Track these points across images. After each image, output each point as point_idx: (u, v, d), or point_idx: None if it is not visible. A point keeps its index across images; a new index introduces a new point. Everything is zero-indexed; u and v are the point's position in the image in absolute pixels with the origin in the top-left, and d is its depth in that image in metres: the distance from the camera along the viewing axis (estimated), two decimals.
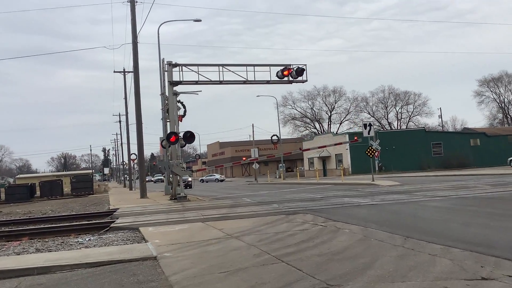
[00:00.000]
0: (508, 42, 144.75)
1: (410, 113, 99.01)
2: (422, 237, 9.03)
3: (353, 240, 9.18)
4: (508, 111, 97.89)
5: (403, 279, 5.99)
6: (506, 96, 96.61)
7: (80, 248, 10.70)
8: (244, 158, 58.84)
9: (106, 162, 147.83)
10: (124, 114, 55.16)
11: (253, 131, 75.66)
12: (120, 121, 69.65)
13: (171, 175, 27.60)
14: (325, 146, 51.91)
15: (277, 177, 66.18)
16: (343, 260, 7.41)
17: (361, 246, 8.54)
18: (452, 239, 8.62)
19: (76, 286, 6.94)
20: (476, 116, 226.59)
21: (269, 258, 7.89)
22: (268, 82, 26.71)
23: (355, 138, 39.22)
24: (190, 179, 50.23)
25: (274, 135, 60.98)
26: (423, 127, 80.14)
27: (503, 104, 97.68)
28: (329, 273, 6.55)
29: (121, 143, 73.50)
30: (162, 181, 69.79)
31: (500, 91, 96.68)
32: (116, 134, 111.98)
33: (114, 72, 52.29)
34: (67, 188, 46.53)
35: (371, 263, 7.05)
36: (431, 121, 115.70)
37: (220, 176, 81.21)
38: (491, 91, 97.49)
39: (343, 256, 7.70)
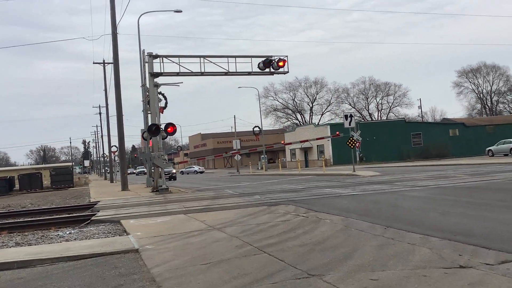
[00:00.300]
0: (487, 34, 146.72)
1: (390, 104, 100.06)
2: (402, 226, 9.16)
3: (334, 230, 9.27)
4: (486, 102, 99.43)
5: (383, 268, 6.08)
6: (484, 87, 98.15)
7: (60, 242, 10.60)
8: (226, 152, 58.87)
9: (86, 154, 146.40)
10: (104, 106, 54.59)
11: (234, 122, 75.81)
12: (100, 113, 68.94)
13: (152, 167, 27.45)
14: (307, 141, 52.26)
15: (259, 168, 66.31)
16: (325, 250, 7.48)
17: (342, 236, 8.63)
18: (431, 228, 8.77)
19: (57, 280, 6.89)
20: (455, 107, 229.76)
21: (251, 249, 7.93)
22: (249, 73, 26.66)
23: (337, 133, 39.47)
24: (174, 171, 50.09)
25: (256, 126, 61.16)
26: (403, 118, 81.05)
27: (481, 95, 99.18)
28: (311, 263, 6.61)
29: (102, 135, 72.87)
30: (145, 173, 69.53)
31: (478, 82, 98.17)
32: (96, 126, 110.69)
33: (94, 63, 51.84)
34: (46, 181, 45.97)
35: (352, 252, 7.14)
36: (411, 112, 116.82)
37: (199, 168, 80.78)
38: (470, 82, 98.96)
39: (325, 246, 7.77)
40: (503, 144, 45.07)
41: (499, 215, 9.89)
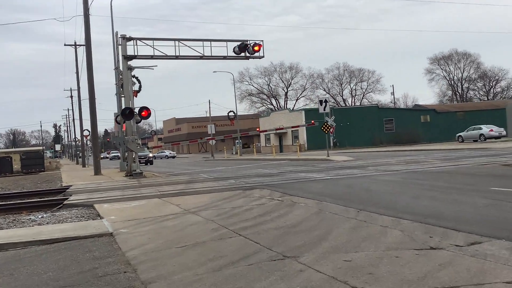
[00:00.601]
0: (460, 21, 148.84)
1: (364, 90, 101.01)
2: (374, 209, 9.33)
3: (308, 214, 9.39)
4: (457, 89, 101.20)
5: (356, 250, 6.20)
6: (455, 74, 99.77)
7: (33, 226, 10.45)
8: (201, 138, 58.55)
9: (57, 138, 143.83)
10: (76, 89, 53.57)
11: (209, 107, 75.38)
12: (72, 96, 67.77)
13: (126, 151, 27.18)
14: (282, 129, 52.37)
15: (234, 153, 66.30)
16: (299, 232, 7.57)
17: (317, 219, 8.74)
18: (403, 211, 8.95)
19: (30, 263, 6.81)
20: (427, 93, 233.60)
21: (226, 232, 7.98)
22: (225, 57, 26.51)
23: (312, 122, 39.70)
24: (151, 155, 49.63)
25: (231, 111, 60.92)
26: (376, 104, 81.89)
27: (452, 82, 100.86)
28: (286, 245, 6.69)
29: (73, 119, 71.63)
30: (119, 158, 68.77)
31: (450, 69, 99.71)
32: (68, 109, 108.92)
33: (65, 45, 50.62)
34: (17, 165, 45.07)
35: (326, 235, 7.25)
36: (384, 98, 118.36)
37: (170, 153, 79.74)
38: (442, 69, 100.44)
39: (299, 229, 7.87)
40: (473, 130, 46.06)
41: (469, 199, 10.16)
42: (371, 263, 5.50)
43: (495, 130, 44.46)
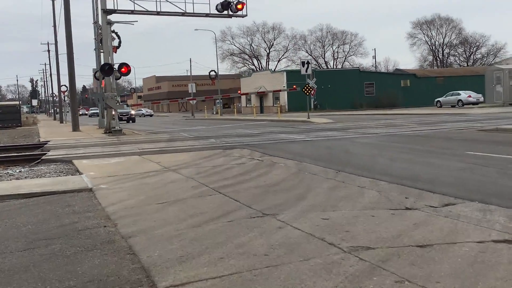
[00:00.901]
0: None
1: (346, 53, 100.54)
2: (353, 171, 9.48)
3: (288, 174, 9.50)
4: (438, 54, 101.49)
5: (333, 209, 6.33)
6: (437, 39, 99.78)
7: (10, 180, 10.36)
8: (182, 98, 57.94)
9: (34, 93, 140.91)
10: (54, 43, 52.19)
11: (190, 66, 74.27)
12: (49, 51, 66.01)
13: (105, 108, 26.84)
14: (263, 92, 52.08)
15: (214, 113, 66.00)
16: (279, 191, 7.68)
17: (296, 179, 8.86)
18: (380, 173, 9.12)
19: (9, 217, 6.79)
20: (408, 58, 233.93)
21: (207, 190, 8.04)
22: (207, 15, 25.99)
23: (294, 87, 39.52)
24: (133, 112, 49.08)
25: (212, 70, 60.30)
26: (358, 67, 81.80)
27: (433, 47, 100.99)
28: (265, 203, 6.79)
29: (50, 74, 70.15)
30: (98, 115, 67.86)
31: (432, 33, 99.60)
32: (45, 64, 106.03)
33: None
34: None
35: (305, 194, 7.36)
36: (365, 62, 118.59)
37: (147, 111, 78.43)
38: (424, 34, 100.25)
39: (279, 188, 7.97)
40: (451, 96, 46.53)
41: (444, 162, 10.38)
42: (348, 221, 5.63)
43: (473, 96, 44.98)
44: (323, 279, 3.85)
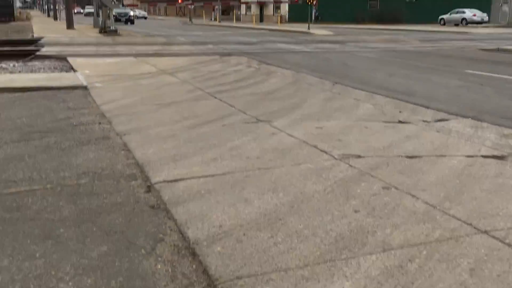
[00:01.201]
0: None
1: None
2: (349, 83, 9.43)
3: (284, 83, 9.44)
4: None
5: (327, 119, 6.36)
6: None
7: (4, 73, 10.24)
8: (180, 1, 55.89)
9: None
10: None
11: None
12: None
13: (101, 7, 26.00)
14: (263, 3, 50.21)
15: (213, 19, 64.18)
16: (274, 99, 7.67)
17: (292, 88, 8.82)
18: (377, 87, 9.09)
19: (3, 109, 6.78)
20: None
21: (202, 94, 8.02)
22: None
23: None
24: (132, 13, 47.60)
25: None
26: None
27: None
28: (260, 110, 6.80)
29: None
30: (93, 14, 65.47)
31: None
32: None
33: None
34: None
35: (300, 103, 7.36)
36: None
37: (140, 12, 75.53)
38: None
39: (274, 96, 7.95)
40: (456, 13, 45.27)
41: (442, 79, 10.31)
42: (341, 131, 5.68)
43: (478, 15, 43.78)
44: (312, 182, 3.95)
